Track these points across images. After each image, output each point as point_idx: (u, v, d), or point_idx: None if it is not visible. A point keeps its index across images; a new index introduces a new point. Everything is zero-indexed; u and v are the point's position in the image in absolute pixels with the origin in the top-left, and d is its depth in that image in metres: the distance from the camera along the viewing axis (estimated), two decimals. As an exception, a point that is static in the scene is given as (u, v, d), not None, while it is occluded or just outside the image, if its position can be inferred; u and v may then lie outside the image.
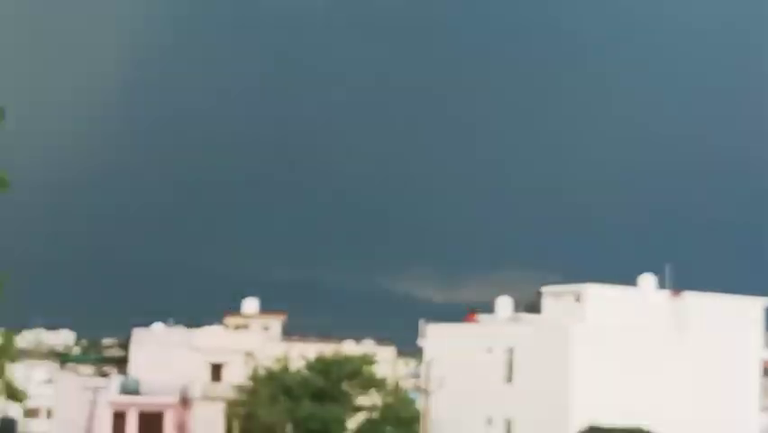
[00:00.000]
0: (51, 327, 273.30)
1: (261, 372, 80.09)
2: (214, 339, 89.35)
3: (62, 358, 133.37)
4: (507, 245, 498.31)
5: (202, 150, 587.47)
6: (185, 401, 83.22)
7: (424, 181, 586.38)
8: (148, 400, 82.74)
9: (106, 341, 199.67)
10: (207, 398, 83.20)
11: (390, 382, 80.00)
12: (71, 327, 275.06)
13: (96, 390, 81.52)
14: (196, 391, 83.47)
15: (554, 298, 74.82)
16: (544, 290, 76.50)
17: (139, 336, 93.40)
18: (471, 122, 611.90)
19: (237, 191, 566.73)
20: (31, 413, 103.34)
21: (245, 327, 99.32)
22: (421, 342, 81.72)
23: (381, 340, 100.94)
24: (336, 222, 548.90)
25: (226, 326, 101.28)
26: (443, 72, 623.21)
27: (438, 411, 71.75)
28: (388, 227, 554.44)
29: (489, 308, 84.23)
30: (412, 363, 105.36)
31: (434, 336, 79.29)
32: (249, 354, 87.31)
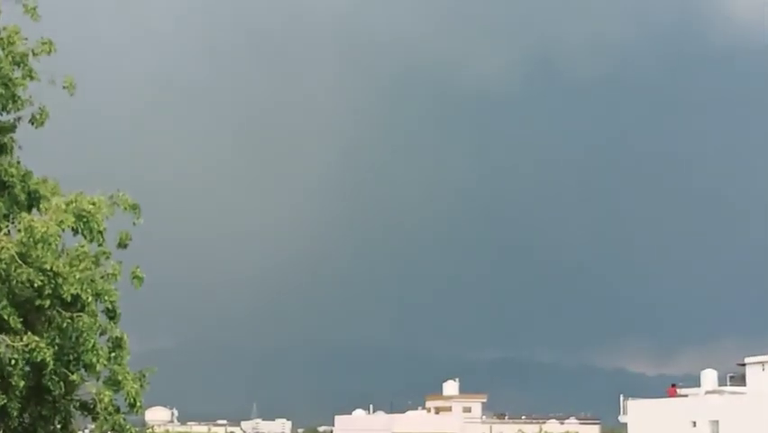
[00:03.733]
0: (268, 416, 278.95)
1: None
2: (413, 423, 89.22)
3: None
4: (720, 317, 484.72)
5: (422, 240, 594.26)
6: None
7: (634, 257, 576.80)
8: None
9: (322, 429, 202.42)
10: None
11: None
12: (287, 417, 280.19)
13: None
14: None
15: (760, 368, 71.89)
16: (748, 360, 73.67)
17: (342, 424, 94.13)
18: (683, 198, 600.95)
19: (442, 276, 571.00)
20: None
21: (447, 409, 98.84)
22: (623, 418, 79.79)
23: (585, 418, 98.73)
24: (542, 300, 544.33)
25: (428, 409, 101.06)
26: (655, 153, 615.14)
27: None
28: (597, 303, 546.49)
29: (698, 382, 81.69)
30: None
31: (636, 412, 77.28)
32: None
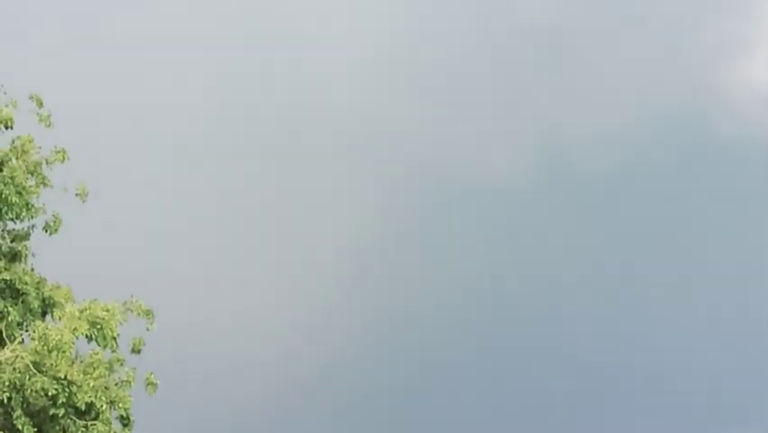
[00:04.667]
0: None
1: None
2: None
3: None
4: (751, 403, 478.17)
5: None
6: None
7: (650, 337, 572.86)
8: None
9: None
10: None
11: None
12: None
13: None
14: None
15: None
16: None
17: None
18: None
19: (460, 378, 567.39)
20: None
21: None
22: None
23: None
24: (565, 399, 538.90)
25: None
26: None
27: None
28: (618, 386, 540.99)
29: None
30: None
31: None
32: None
